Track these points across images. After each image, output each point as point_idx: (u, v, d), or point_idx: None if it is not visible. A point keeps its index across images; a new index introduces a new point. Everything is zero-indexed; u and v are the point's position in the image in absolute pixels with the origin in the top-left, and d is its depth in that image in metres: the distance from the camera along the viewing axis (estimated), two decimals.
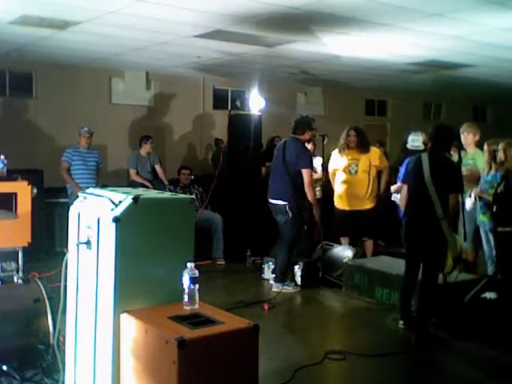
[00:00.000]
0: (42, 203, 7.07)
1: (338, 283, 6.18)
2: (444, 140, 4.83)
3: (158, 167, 8.44)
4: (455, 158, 5.36)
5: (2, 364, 3.39)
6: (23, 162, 7.14)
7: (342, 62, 8.66)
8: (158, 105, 10.16)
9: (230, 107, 10.60)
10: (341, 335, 5.19)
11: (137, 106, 9.93)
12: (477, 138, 6.13)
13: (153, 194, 3.14)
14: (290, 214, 5.89)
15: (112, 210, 2.72)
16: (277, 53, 7.88)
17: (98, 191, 3.06)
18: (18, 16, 5.93)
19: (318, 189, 7.51)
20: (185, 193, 7.48)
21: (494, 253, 5.45)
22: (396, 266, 5.72)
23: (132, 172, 8.24)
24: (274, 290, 6.04)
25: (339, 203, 6.80)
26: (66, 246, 3.07)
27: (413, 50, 7.79)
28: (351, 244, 6.71)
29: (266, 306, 5.46)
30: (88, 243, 2.87)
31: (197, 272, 2.68)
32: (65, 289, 3.00)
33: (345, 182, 6.71)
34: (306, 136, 6.08)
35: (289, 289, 6.07)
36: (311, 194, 5.97)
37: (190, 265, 2.67)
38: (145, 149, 8.34)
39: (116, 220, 2.66)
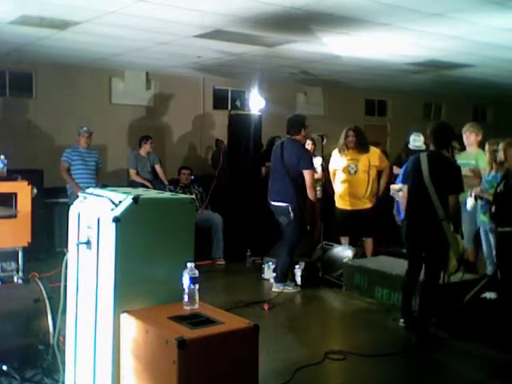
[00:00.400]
0: (42, 203, 7.07)
1: (338, 283, 6.18)
2: (443, 138, 4.78)
3: (157, 167, 8.45)
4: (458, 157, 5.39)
5: (2, 364, 3.39)
6: (23, 161, 7.15)
7: (342, 61, 8.66)
8: (157, 105, 10.16)
9: (230, 107, 10.59)
10: (341, 335, 5.19)
11: (137, 106, 9.93)
12: (479, 137, 6.13)
13: (153, 194, 3.14)
14: (293, 215, 5.89)
15: (112, 210, 2.72)
16: (277, 53, 7.87)
17: (97, 191, 3.06)
18: (18, 16, 5.93)
19: (318, 189, 7.52)
20: (185, 193, 7.48)
21: (493, 253, 5.45)
22: (396, 266, 5.73)
23: (132, 172, 8.25)
24: (274, 290, 6.04)
25: (339, 203, 6.81)
26: (66, 246, 3.07)
27: (413, 50, 7.79)
28: (351, 244, 6.71)
29: (265, 306, 5.46)
30: (88, 243, 2.87)
31: (197, 272, 2.68)
32: (65, 289, 3.00)
33: (344, 181, 6.72)
34: (302, 134, 6.09)
35: (289, 289, 6.07)
36: (313, 194, 5.99)
37: (189, 265, 2.67)
38: (145, 149, 8.35)
39: (116, 220, 2.66)
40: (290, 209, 5.89)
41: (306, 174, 5.91)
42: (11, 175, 4.51)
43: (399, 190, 5.74)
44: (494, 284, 4.96)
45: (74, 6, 5.57)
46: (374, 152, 6.77)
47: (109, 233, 2.69)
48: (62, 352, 3.15)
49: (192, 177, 8.33)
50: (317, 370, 4.01)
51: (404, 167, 5.69)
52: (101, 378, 2.77)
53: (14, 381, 3.40)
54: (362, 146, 6.67)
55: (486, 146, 5.67)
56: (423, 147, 6.51)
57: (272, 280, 6.20)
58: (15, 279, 4.16)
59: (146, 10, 5.64)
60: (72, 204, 3.12)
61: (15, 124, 8.61)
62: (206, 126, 10.66)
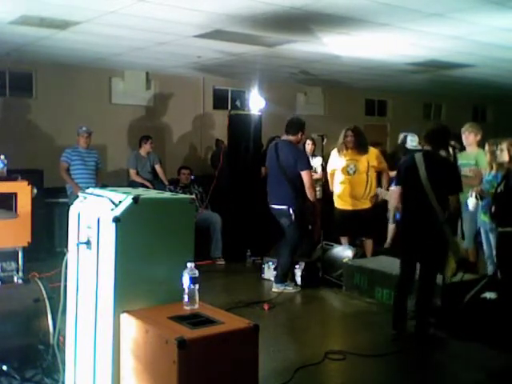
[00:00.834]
0: (42, 203, 7.07)
1: (338, 283, 6.18)
2: (442, 138, 4.71)
3: (157, 167, 8.45)
4: (451, 157, 5.37)
5: (2, 364, 3.39)
6: (23, 161, 7.15)
7: (342, 62, 8.66)
8: (157, 105, 10.16)
9: (230, 107, 10.59)
10: (341, 335, 5.19)
11: (137, 106, 9.93)
12: (478, 137, 6.12)
13: (153, 194, 3.14)
14: (294, 217, 5.90)
15: (112, 210, 2.72)
16: (277, 53, 7.87)
17: (97, 191, 3.06)
18: (18, 16, 5.93)
19: (318, 189, 7.51)
20: (185, 193, 7.48)
21: (494, 252, 5.46)
22: (396, 266, 5.69)
23: (132, 172, 8.25)
24: (274, 290, 6.04)
25: (338, 203, 6.80)
26: (66, 246, 3.07)
27: (413, 50, 7.79)
28: (351, 244, 6.72)
29: (265, 306, 5.46)
30: (88, 243, 2.87)
31: (197, 272, 2.68)
32: (65, 289, 3.00)
33: (343, 182, 6.72)
34: (299, 137, 6.09)
35: (289, 289, 6.07)
36: (312, 194, 5.99)
37: (189, 265, 2.67)
38: (145, 149, 8.35)
39: (116, 220, 2.66)
40: (290, 211, 5.90)
41: (304, 174, 5.91)
42: (11, 175, 4.51)
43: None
44: (494, 284, 4.96)
45: (73, 6, 5.57)
46: (373, 153, 6.76)
47: (109, 233, 2.69)
48: (62, 352, 3.15)
49: (192, 177, 8.33)
50: (317, 370, 4.01)
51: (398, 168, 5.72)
52: (101, 378, 2.77)
53: (14, 381, 3.40)
54: (361, 146, 6.66)
55: (486, 147, 5.67)
56: (419, 147, 6.53)
57: (272, 280, 6.21)
58: (15, 279, 4.17)
59: (145, 10, 5.64)
60: (72, 204, 3.12)
61: (15, 124, 8.61)
62: (206, 126, 10.66)
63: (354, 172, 6.65)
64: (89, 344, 2.85)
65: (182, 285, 2.69)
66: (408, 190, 4.74)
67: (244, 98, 8.62)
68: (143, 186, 7.47)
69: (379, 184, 6.82)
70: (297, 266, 6.28)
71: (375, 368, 4.15)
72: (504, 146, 5.27)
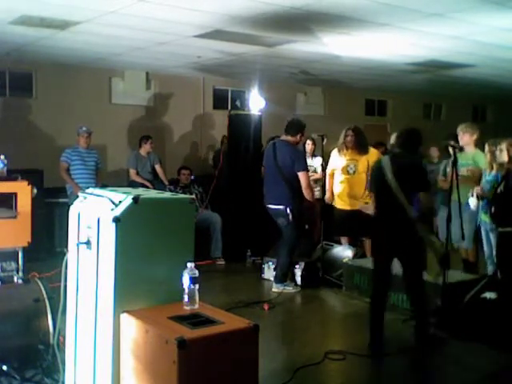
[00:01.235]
0: (41, 203, 7.07)
1: (338, 283, 6.18)
2: (411, 142, 4.54)
3: (157, 167, 8.45)
4: (451, 158, 5.37)
5: (2, 364, 3.39)
6: (23, 161, 7.14)
7: (342, 62, 8.66)
8: (157, 105, 10.16)
9: (230, 107, 10.59)
10: (341, 335, 5.19)
11: (137, 106, 9.93)
12: (474, 137, 6.11)
13: (153, 194, 3.14)
14: (291, 217, 5.90)
15: (112, 210, 2.72)
16: (277, 53, 7.87)
17: (97, 191, 3.07)
18: (18, 16, 5.93)
19: (317, 189, 7.52)
20: (185, 193, 7.48)
21: (494, 252, 5.46)
22: (396, 266, 5.72)
23: (132, 172, 8.25)
24: (274, 290, 6.04)
25: (338, 203, 6.81)
26: (66, 246, 3.07)
27: (413, 50, 7.79)
28: (351, 244, 6.72)
29: (265, 306, 5.46)
30: (88, 243, 2.87)
31: (197, 272, 2.68)
32: (65, 289, 3.00)
33: (343, 181, 6.72)
34: (297, 138, 6.09)
35: (289, 289, 6.07)
36: (309, 194, 5.99)
37: (189, 265, 2.67)
38: (145, 149, 8.35)
39: (116, 220, 2.66)
40: (287, 211, 5.90)
41: (301, 175, 5.91)
42: (11, 175, 4.52)
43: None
44: (494, 284, 4.96)
45: (73, 6, 5.57)
46: (373, 153, 6.75)
47: (109, 233, 2.69)
48: (62, 352, 3.15)
49: (192, 177, 8.33)
50: (317, 370, 4.01)
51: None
52: (101, 378, 2.77)
53: (14, 381, 3.40)
54: (361, 146, 6.66)
55: (486, 147, 5.66)
56: None
57: (272, 280, 6.21)
58: (15, 279, 4.17)
59: (145, 10, 5.64)
60: (72, 204, 3.12)
61: (15, 124, 8.61)
62: (206, 126, 10.66)
63: (354, 172, 6.65)
64: (89, 344, 2.85)
65: (182, 285, 2.69)
66: (378, 192, 4.62)
67: (244, 97, 8.62)
68: (143, 185, 7.47)
69: None
70: (297, 266, 6.28)
71: (375, 368, 4.15)
72: (503, 146, 5.27)
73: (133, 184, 7.67)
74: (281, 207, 5.95)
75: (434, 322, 4.75)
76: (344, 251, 6.49)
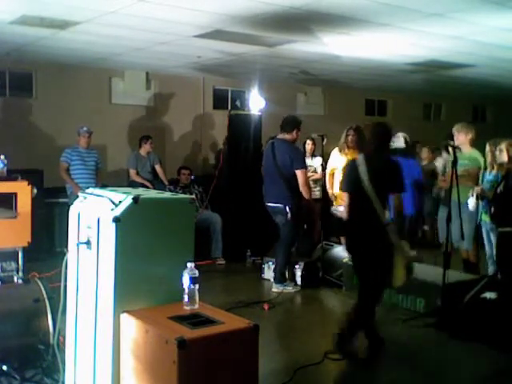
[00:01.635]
0: (42, 203, 7.08)
1: (338, 283, 6.18)
2: (381, 139, 4.31)
3: (157, 167, 8.45)
4: (451, 157, 5.37)
5: (2, 364, 3.39)
6: (23, 161, 7.14)
7: (342, 62, 8.66)
8: (157, 105, 10.15)
9: (230, 107, 10.59)
10: None
11: (137, 106, 9.93)
12: (469, 136, 6.10)
13: (153, 194, 3.14)
14: (289, 215, 5.90)
15: (112, 210, 2.72)
16: (277, 53, 7.87)
17: (97, 191, 3.07)
18: (18, 16, 5.93)
19: (317, 189, 7.52)
20: (185, 193, 7.48)
21: (494, 252, 5.46)
22: None
23: (132, 172, 8.25)
24: (274, 290, 6.04)
25: (338, 203, 6.79)
26: (66, 246, 3.07)
27: (413, 50, 7.79)
28: None
29: (265, 306, 5.46)
30: (88, 243, 2.87)
31: (197, 272, 2.68)
32: (65, 289, 3.00)
33: None
34: (294, 135, 6.09)
35: (289, 289, 6.07)
36: (307, 193, 5.98)
37: (189, 265, 2.67)
38: (145, 149, 8.35)
39: (116, 220, 2.66)
40: (286, 209, 5.91)
41: (299, 173, 5.92)
42: (11, 175, 4.51)
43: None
44: (495, 284, 4.96)
45: (73, 6, 5.57)
46: None
47: (109, 233, 2.69)
48: (62, 352, 3.15)
49: (192, 177, 8.33)
50: (316, 370, 4.01)
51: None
52: (101, 378, 2.77)
53: (14, 381, 3.40)
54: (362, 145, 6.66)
55: (487, 147, 5.67)
56: (403, 145, 6.64)
57: (272, 280, 6.21)
58: (15, 279, 4.17)
59: (145, 10, 5.64)
60: (72, 204, 3.12)
61: (15, 124, 8.61)
62: (206, 126, 10.65)
63: None
64: (89, 344, 2.85)
65: (182, 285, 2.69)
66: (351, 193, 4.40)
67: (244, 97, 8.62)
68: (143, 186, 7.47)
69: None
70: (297, 266, 6.28)
71: (375, 368, 4.14)
72: (503, 146, 5.27)
73: (133, 184, 7.67)
74: (279, 205, 5.96)
75: (434, 322, 4.76)
76: (344, 251, 6.47)
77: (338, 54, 8.09)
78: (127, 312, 2.66)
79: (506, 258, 4.95)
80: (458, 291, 4.92)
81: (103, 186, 6.34)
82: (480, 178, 5.88)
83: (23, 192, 4.37)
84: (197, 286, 2.70)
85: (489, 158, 5.62)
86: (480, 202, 5.61)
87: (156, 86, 10.08)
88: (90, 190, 3.13)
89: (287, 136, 6.06)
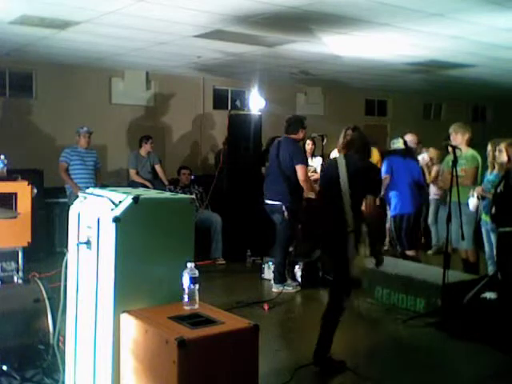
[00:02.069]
0: (42, 203, 7.08)
1: None
2: (363, 146, 4.28)
3: (157, 167, 8.45)
4: (450, 157, 5.37)
5: (2, 364, 3.39)
6: (23, 161, 7.15)
7: (342, 61, 8.66)
8: (157, 105, 10.16)
9: (229, 107, 10.59)
10: (340, 335, 5.17)
11: (137, 106, 9.93)
12: (466, 137, 6.11)
13: (153, 193, 3.14)
14: (286, 214, 5.91)
15: (112, 210, 2.72)
16: (277, 53, 7.87)
17: (97, 191, 3.06)
18: (18, 16, 5.93)
19: (318, 189, 7.51)
20: (185, 193, 7.48)
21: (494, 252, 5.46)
22: (396, 266, 5.73)
23: (132, 172, 8.25)
24: (274, 290, 6.05)
25: None
26: (66, 246, 3.07)
27: (413, 50, 7.79)
28: None
29: (266, 306, 5.46)
30: (88, 243, 2.87)
31: (197, 272, 2.68)
32: (65, 289, 3.00)
33: None
34: (300, 134, 6.10)
35: (289, 289, 6.07)
36: (308, 186, 5.93)
37: (189, 265, 2.67)
38: (145, 149, 8.35)
39: (116, 220, 2.66)
40: (283, 207, 5.92)
41: (299, 168, 5.91)
42: (11, 175, 4.51)
43: None
44: (495, 284, 4.96)
45: (73, 6, 5.57)
46: (374, 153, 6.76)
47: (109, 233, 2.69)
48: (62, 352, 3.15)
49: (192, 177, 8.33)
50: (317, 370, 4.01)
51: (383, 166, 6.13)
52: (101, 377, 2.77)
53: (14, 381, 3.40)
54: None
55: (489, 147, 5.67)
56: (402, 147, 6.67)
57: (272, 281, 6.21)
58: (15, 279, 4.16)
59: (145, 10, 5.64)
60: (72, 204, 3.12)
61: (15, 124, 8.61)
62: (206, 126, 10.66)
63: None
64: (89, 344, 2.85)
65: (182, 285, 2.69)
66: (325, 189, 4.32)
67: (244, 97, 8.62)
68: (143, 185, 7.47)
69: None
70: (297, 266, 6.28)
71: (375, 368, 4.14)
72: (502, 146, 5.28)
73: (133, 184, 7.67)
74: (277, 203, 5.97)
75: (434, 322, 4.76)
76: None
77: (337, 54, 8.09)
78: (127, 312, 2.65)
79: (506, 258, 4.94)
80: (458, 291, 4.92)
81: (103, 185, 6.34)
82: (479, 178, 5.89)
83: (23, 192, 4.36)
84: (197, 286, 2.70)
85: (490, 158, 5.63)
86: (480, 202, 5.61)
87: (156, 85, 10.09)
88: (89, 190, 3.13)
89: (293, 136, 6.07)
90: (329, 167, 4.34)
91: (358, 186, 3.99)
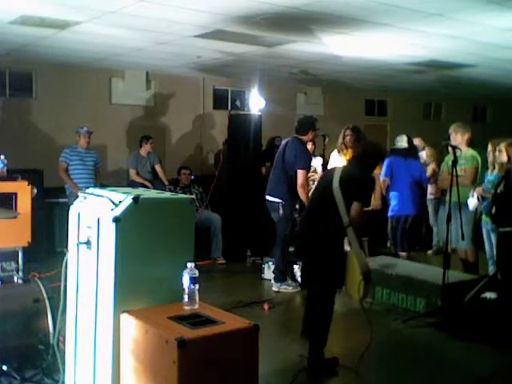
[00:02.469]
0: (42, 203, 7.07)
1: None
2: (366, 161, 4.19)
3: (157, 167, 8.45)
4: (450, 157, 5.37)
5: (2, 364, 3.39)
6: (23, 161, 7.14)
7: (342, 61, 8.66)
8: (157, 105, 10.16)
9: (229, 107, 10.60)
10: (340, 335, 5.18)
11: (137, 106, 9.94)
12: (466, 137, 6.11)
13: (153, 193, 3.14)
14: (282, 212, 5.92)
15: (112, 210, 2.72)
16: (277, 53, 7.88)
17: (97, 191, 3.06)
18: (18, 16, 5.93)
19: None
20: (185, 193, 7.48)
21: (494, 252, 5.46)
22: (396, 266, 5.73)
23: (132, 172, 8.25)
24: (274, 288, 6.05)
25: None
26: (66, 246, 3.07)
27: (413, 50, 7.79)
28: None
29: (266, 306, 5.46)
30: (88, 243, 2.87)
31: (197, 272, 2.68)
32: (65, 289, 3.00)
33: None
34: (309, 136, 6.10)
35: (288, 288, 6.07)
36: (303, 194, 5.93)
37: (189, 265, 2.67)
38: (145, 149, 8.35)
39: (116, 220, 2.66)
40: (280, 205, 5.93)
41: (299, 173, 5.91)
42: (11, 175, 4.51)
43: None
44: (495, 284, 4.96)
45: (74, 6, 5.57)
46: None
47: (109, 233, 2.69)
48: (62, 352, 3.15)
49: (192, 177, 8.33)
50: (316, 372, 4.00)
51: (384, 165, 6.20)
52: (101, 378, 2.77)
53: (14, 381, 3.40)
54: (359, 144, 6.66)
55: (489, 147, 5.67)
56: (405, 146, 6.66)
57: (272, 280, 6.21)
58: (15, 279, 4.16)
59: (145, 10, 5.64)
60: (72, 204, 3.12)
61: (15, 124, 8.62)
62: (206, 126, 10.66)
63: None
64: (89, 344, 2.85)
65: (182, 285, 2.69)
66: (319, 192, 4.29)
67: (244, 97, 8.62)
68: (143, 185, 7.47)
69: None
70: (297, 266, 6.27)
71: (375, 368, 4.14)
72: (502, 146, 5.28)
73: (133, 184, 7.67)
74: (275, 200, 5.99)
75: (434, 322, 4.76)
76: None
77: (337, 54, 8.09)
78: (127, 312, 2.65)
79: (506, 258, 4.94)
80: (458, 291, 4.92)
81: (103, 185, 6.33)
82: (479, 178, 5.89)
83: (23, 192, 4.36)
84: (197, 286, 2.70)
85: (490, 158, 5.63)
86: (481, 203, 5.61)
87: (156, 85, 10.09)
88: (89, 190, 3.13)
89: (303, 137, 6.07)
90: (327, 173, 4.43)
91: (348, 190, 3.94)
